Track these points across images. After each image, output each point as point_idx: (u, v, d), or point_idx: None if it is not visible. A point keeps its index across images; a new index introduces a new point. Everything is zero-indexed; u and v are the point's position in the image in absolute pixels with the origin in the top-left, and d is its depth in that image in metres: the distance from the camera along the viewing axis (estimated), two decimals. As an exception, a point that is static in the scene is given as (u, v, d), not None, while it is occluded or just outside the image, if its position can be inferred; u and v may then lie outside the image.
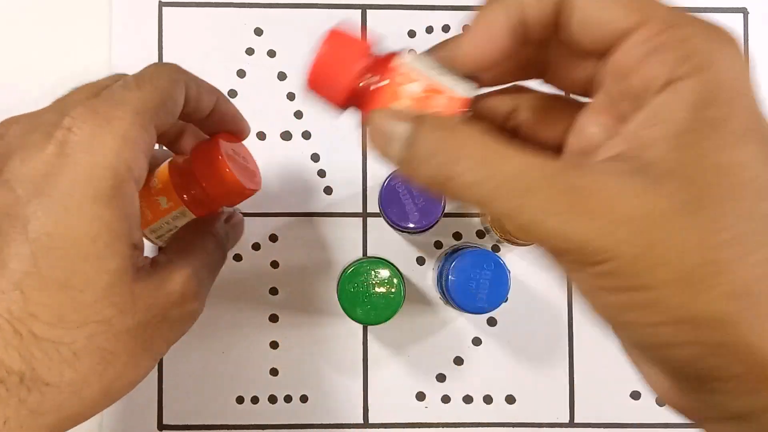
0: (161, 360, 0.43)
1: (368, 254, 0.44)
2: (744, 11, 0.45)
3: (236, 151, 0.34)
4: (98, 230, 0.24)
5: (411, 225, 0.38)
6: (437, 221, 0.39)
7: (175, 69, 0.29)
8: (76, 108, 0.25)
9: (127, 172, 0.25)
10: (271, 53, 0.44)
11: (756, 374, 0.18)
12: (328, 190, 0.44)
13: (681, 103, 0.19)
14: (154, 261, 0.28)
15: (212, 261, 0.31)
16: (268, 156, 0.44)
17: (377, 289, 0.36)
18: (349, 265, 0.37)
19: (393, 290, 0.36)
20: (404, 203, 0.38)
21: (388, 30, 0.44)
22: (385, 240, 0.44)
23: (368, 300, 0.36)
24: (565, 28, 0.22)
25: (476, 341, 0.44)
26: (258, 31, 0.44)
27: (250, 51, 0.44)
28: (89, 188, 0.24)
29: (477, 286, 0.37)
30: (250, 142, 0.44)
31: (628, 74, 0.21)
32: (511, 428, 0.44)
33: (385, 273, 0.37)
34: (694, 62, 0.20)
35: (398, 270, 0.38)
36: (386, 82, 0.23)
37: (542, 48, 0.23)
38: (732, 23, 0.45)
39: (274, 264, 0.44)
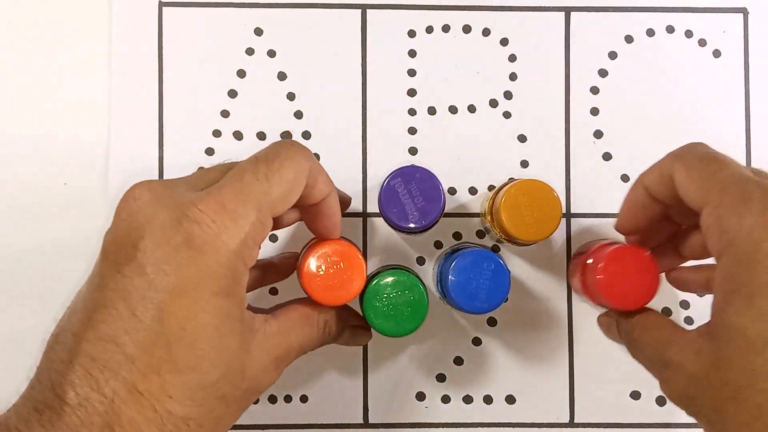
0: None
1: (368, 254, 0.44)
2: (744, 11, 0.45)
3: (338, 253, 0.34)
4: (220, 320, 0.28)
5: (411, 225, 0.38)
6: (437, 221, 0.39)
7: (305, 157, 0.31)
8: (204, 201, 0.28)
9: (243, 267, 0.28)
10: (271, 53, 0.44)
11: None
12: (328, 190, 0.44)
13: (719, 276, 0.28)
14: (266, 328, 0.31)
15: (306, 346, 0.34)
16: (268, 156, 0.44)
17: (400, 299, 0.37)
18: (366, 284, 0.37)
19: (415, 296, 0.37)
20: (404, 203, 0.38)
21: (388, 30, 0.44)
22: (385, 240, 0.44)
23: (395, 311, 0.36)
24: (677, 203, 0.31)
25: (476, 341, 0.44)
26: (258, 31, 0.44)
27: (250, 51, 0.44)
28: (213, 284, 0.27)
29: (477, 286, 0.37)
30: (250, 142, 0.44)
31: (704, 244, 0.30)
32: (511, 428, 0.44)
33: (402, 280, 0.37)
34: (724, 240, 0.27)
35: (412, 272, 0.38)
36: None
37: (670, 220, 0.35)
38: (732, 23, 0.45)
39: (274, 264, 0.44)
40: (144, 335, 0.26)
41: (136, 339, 0.26)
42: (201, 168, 0.34)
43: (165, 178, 0.44)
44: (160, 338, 0.26)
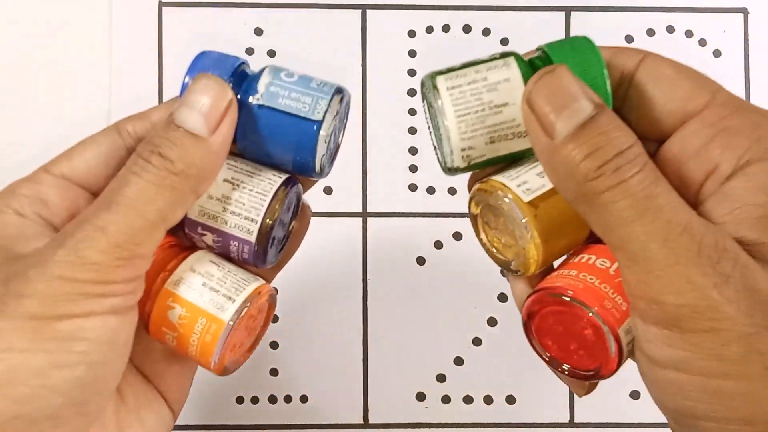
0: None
1: (368, 253, 0.44)
2: (744, 11, 0.45)
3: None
4: None
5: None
6: None
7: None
8: None
9: None
10: (271, 53, 0.44)
11: None
12: (328, 190, 0.44)
13: (757, 187, 0.21)
14: None
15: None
16: (268, 156, 0.44)
17: None
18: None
19: None
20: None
21: (388, 30, 0.44)
22: (386, 240, 0.44)
23: None
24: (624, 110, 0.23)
25: (476, 341, 0.44)
26: (258, 31, 0.44)
27: (250, 51, 0.44)
28: None
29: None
30: (250, 142, 0.44)
31: (687, 161, 0.22)
32: (511, 428, 0.44)
33: None
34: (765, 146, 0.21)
35: None
36: None
37: None
38: (732, 23, 0.45)
39: (274, 264, 0.44)
40: None
41: None
42: None
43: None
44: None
